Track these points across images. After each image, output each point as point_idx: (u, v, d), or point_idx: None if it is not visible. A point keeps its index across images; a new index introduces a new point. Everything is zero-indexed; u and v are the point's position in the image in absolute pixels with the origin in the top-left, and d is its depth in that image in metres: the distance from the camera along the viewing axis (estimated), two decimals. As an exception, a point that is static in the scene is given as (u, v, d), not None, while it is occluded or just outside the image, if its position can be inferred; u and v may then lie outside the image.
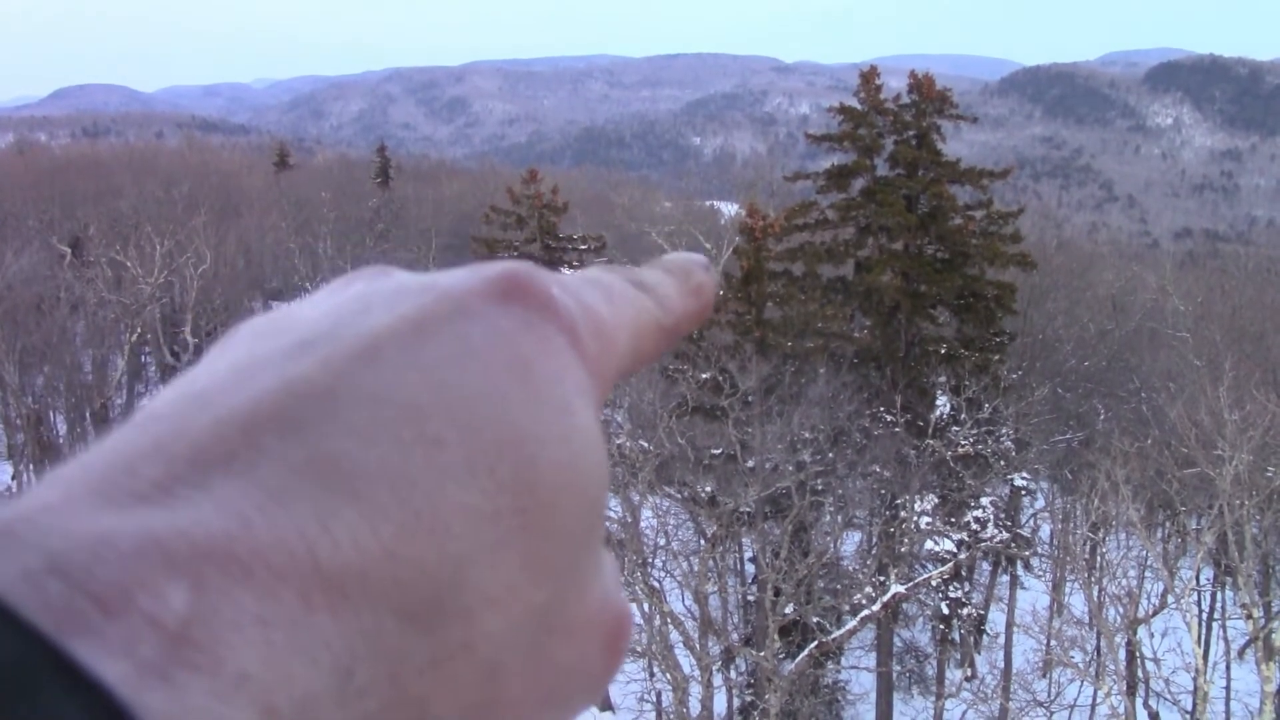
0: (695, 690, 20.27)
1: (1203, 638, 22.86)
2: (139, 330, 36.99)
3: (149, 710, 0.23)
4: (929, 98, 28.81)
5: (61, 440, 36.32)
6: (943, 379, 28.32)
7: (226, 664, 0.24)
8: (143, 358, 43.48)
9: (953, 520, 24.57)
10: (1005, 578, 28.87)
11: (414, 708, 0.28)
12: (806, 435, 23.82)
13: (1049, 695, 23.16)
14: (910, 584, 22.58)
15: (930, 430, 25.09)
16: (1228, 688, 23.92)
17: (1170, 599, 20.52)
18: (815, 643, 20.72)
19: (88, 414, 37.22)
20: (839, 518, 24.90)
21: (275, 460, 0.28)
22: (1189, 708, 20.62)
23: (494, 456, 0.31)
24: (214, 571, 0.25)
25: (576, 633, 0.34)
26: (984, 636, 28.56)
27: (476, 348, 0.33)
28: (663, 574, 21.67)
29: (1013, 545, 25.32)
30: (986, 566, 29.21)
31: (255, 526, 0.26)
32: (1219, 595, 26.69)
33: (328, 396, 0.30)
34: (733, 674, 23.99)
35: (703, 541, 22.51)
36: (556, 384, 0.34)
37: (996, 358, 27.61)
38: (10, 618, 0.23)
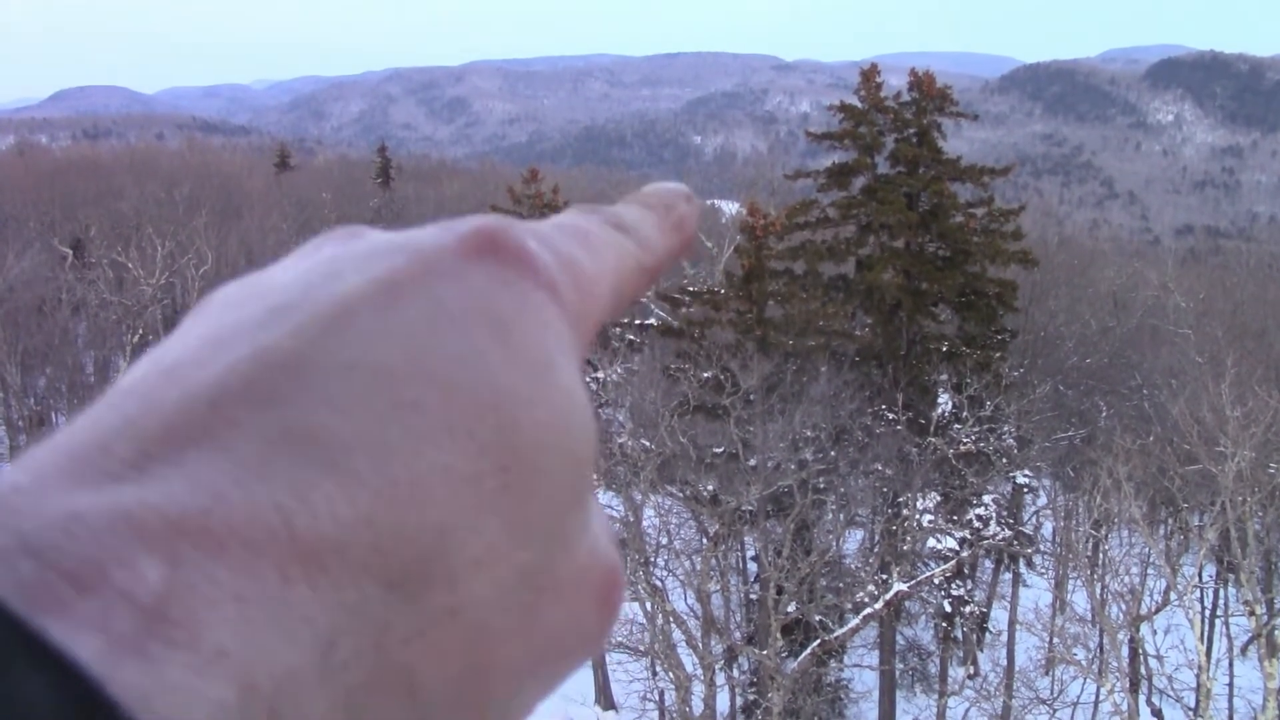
0: (698, 689, 20.27)
1: (1205, 634, 22.85)
2: (141, 331, 36.98)
3: (123, 685, 0.23)
4: (929, 95, 28.81)
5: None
6: (944, 377, 28.33)
7: (203, 640, 0.24)
8: (144, 359, 43.50)
9: (955, 518, 24.57)
10: (1008, 575, 28.87)
11: (400, 677, 0.28)
12: (808, 433, 23.83)
13: (1052, 693, 23.17)
14: (913, 582, 22.58)
15: (932, 428, 25.10)
16: (1231, 684, 23.91)
17: (1173, 596, 20.51)
18: (818, 641, 20.72)
19: (90, 415, 37.20)
20: (841, 516, 24.89)
21: (248, 433, 0.28)
22: (1192, 705, 20.61)
23: (473, 418, 0.30)
24: (188, 547, 0.25)
25: (566, 590, 0.33)
26: (986, 634, 28.55)
27: (451, 308, 0.32)
28: (665, 573, 21.68)
29: (1015, 543, 25.32)
30: (989, 564, 29.20)
31: (229, 500, 0.26)
32: (1222, 592, 26.69)
33: (300, 365, 0.29)
34: (735, 673, 23.99)
35: (705, 540, 22.51)
36: (536, 341, 0.33)
37: (998, 355, 27.62)
38: None
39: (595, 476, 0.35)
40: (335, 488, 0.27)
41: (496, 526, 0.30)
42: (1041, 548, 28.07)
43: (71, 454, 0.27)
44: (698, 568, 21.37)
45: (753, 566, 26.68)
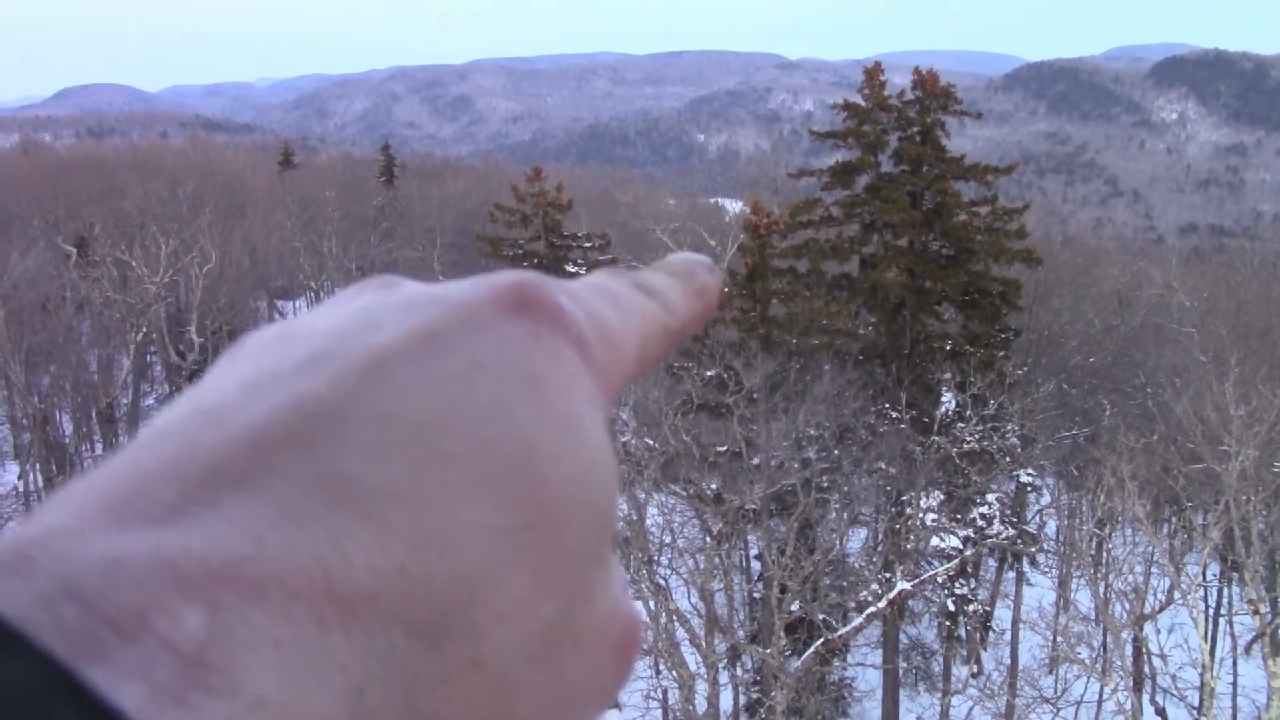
0: (701, 688, 20.27)
1: (1209, 633, 22.81)
2: (144, 330, 37.02)
3: None
4: (933, 94, 28.79)
5: (67, 440, 36.39)
6: (948, 375, 28.30)
7: (243, 687, 0.25)
8: (148, 357, 43.55)
9: (958, 517, 24.55)
10: (1011, 574, 28.84)
11: None
12: (812, 432, 23.82)
13: (1055, 692, 23.18)
14: (916, 581, 22.57)
15: (936, 427, 25.08)
16: (1234, 683, 23.91)
17: (1177, 595, 20.50)
18: (821, 640, 20.72)
19: (94, 413, 37.30)
20: (845, 515, 24.91)
21: (287, 479, 0.28)
22: (1195, 703, 20.59)
23: (504, 473, 0.31)
24: (228, 593, 0.25)
25: (586, 644, 0.34)
26: (990, 633, 28.53)
27: (486, 362, 0.32)
28: (669, 572, 21.69)
29: (1019, 542, 25.31)
30: (992, 563, 29.18)
31: (269, 546, 0.27)
32: (1225, 591, 26.66)
33: (338, 414, 0.30)
34: (739, 671, 23.99)
35: (708, 539, 22.50)
36: (566, 397, 0.34)
37: (1002, 354, 27.60)
38: (25, 644, 0.23)
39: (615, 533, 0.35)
40: (370, 536, 0.28)
41: (522, 580, 0.31)
42: (1045, 546, 28.08)
43: (111, 495, 0.27)
44: (701, 566, 21.37)
45: (756, 565, 26.69)
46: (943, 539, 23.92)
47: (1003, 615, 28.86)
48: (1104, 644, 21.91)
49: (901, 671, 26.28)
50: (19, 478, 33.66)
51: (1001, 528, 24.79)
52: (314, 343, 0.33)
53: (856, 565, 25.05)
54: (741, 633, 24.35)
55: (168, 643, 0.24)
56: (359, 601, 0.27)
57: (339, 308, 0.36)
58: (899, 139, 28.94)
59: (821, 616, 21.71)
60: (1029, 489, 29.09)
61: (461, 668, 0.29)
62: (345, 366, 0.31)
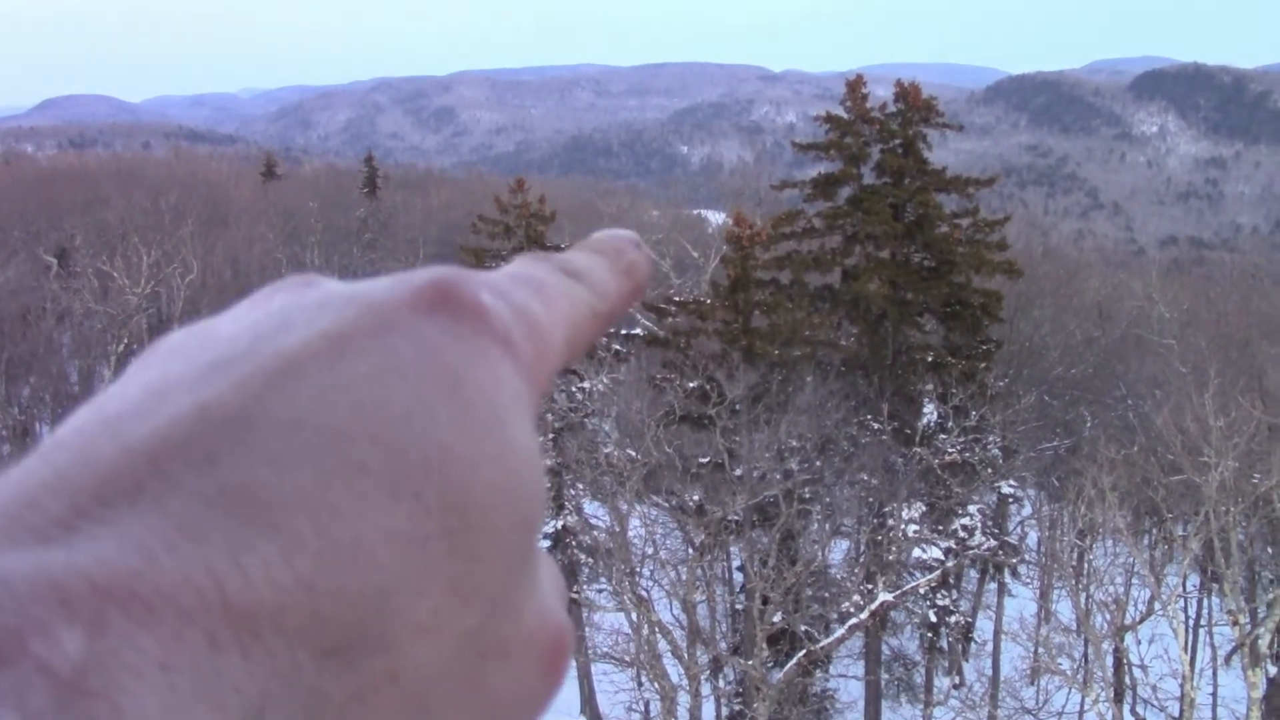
0: (683, 699, 20.27)
1: (1189, 644, 22.94)
2: (126, 341, 36.85)
3: None
4: (915, 106, 28.91)
5: (47, 451, 36.16)
6: (930, 387, 28.37)
7: (125, 712, 0.23)
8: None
9: (940, 528, 24.62)
10: (993, 585, 28.94)
11: None
12: (794, 443, 23.85)
13: (1037, 703, 23.26)
14: (898, 592, 22.62)
15: (917, 438, 25.15)
16: (1214, 694, 24.01)
17: (1157, 606, 20.58)
18: (803, 651, 20.74)
19: (74, 425, 37.06)
20: (827, 526, 24.94)
21: (185, 491, 0.27)
22: (1176, 714, 20.67)
23: (420, 479, 0.29)
24: (115, 612, 0.24)
25: (513, 654, 0.33)
26: (972, 644, 28.60)
27: (402, 364, 0.31)
28: (651, 583, 21.68)
29: (1000, 553, 25.39)
30: (974, 574, 29.26)
31: (161, 563, 0.25)
32: (1205, 601, 26.78)
33: (242, 421, 0.28)
34: (721, 683, 23.99)
35: (691, 550, 22.51)
36: (488, 397, 0.32)
37: (983, 365, 27.68)
38: None
39: (542, 531, 0.36)
40: (273, 550, 0.27)
41: (441, 590, 0.29)
42: (1026, 557, 28.17)
43: (1, 510, 0.26)
44: (683, 578, 21.37)
45: (738, 576, 26.70)
46: (924, 550, 23.98)
47: (984, 626, 28.93)
48: (1085, 655, 21.98)
49: (883, 683, 26.31)
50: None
51: (983, 539, 24.87)
52: (223, 347, 0.31)
53: (838, 576, 25.09)
54: (724, 644, 24.34)
55: (44, 667, 0.23)
56: (259, 620, 0.26)
57: (252, 310, 0.35)
58: (881, 151, 29.05)
59: (804, 628, 21.74)
60: (1010, 500, 29.20)
61: (376, 685, 0.28)
62: (252, 371, 0.30)
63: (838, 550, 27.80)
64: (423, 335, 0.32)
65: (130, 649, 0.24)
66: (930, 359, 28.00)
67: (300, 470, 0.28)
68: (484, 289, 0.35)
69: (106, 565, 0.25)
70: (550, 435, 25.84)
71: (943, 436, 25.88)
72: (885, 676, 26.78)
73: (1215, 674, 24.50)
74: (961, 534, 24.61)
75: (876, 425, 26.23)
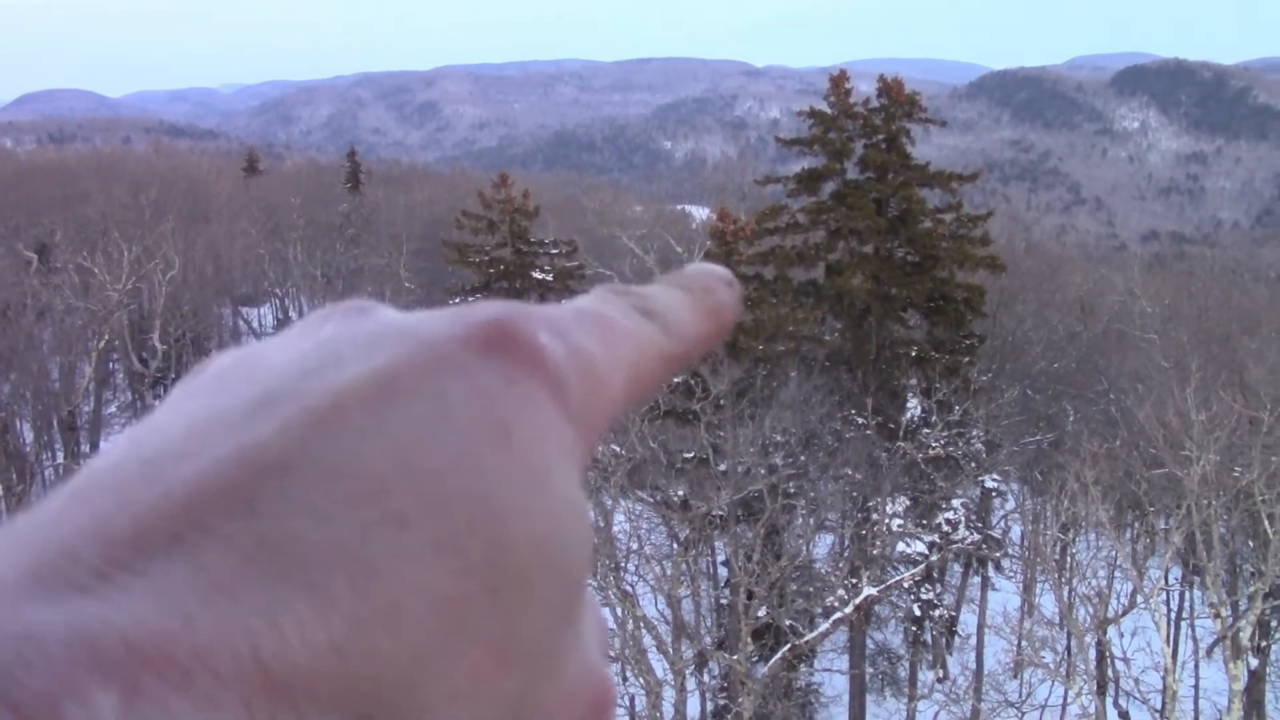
0: (668, 694, 20.26)
1: (1171, 637, 23.04)
2: (107, 337, 36.64)
3: None
4: (898, 101, 28.96)
5: (28, 449, 35.95)
6: (913, 381, 28.45)
7: None
8: (110, 365, 43.08)
9: (924, 522, 24.68)
10: (976, 579, 29.00)
11: None
12: (778, 438, 23.88)
13: (1020, 696, 23.29)
14: (882, 586, 22.65)
15: (901, 432, 25.21)
16: (1196, 686, 24.11)
17: (1139, 599, 20.67)
18: (788, 645, 20.76)
19: (55, 422, 36.87)
20: (811, 520, 24.97)
21: (223, 543, 0.26)
22: (1158, 706, 20.77)
23: (464, 535, 0.28)
24: (149, 676, 0.23)
25: (555, 715, 0.31)
26: (955, 638, 28.69)
27: (451, 409, 0.30)
28: (635, 578, 21.66)
29: (984, 547, 25.45)
30: (958, 568, 29.33)
31: (197, 623, 0.24)
32: (1187, 594, 26.91)
33: (284, 468, 0.27)
34: (706, 678, 23.99)
35: (675, 545, 22.50)
36: (537, 448, 0.31)
37: (966, 360, 27.76)
38: None
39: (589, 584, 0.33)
40: (309, 610, 0.26)
41: (481, 653, 0.28)
42: (1010, 551, 28.25)
43: (36, 555, 0.25)
44: (668, 573, 21.36)
45: (723, 571, 26.71)
46: (908, 544, 24.03)
47: (968, 620, 29.01)
48: (1068, 648, 22.05)
49: (868, 677, 26.38)
50: (-21, 487, 33.22)
51: (966, 533, 24.93)
52: (270, 379, 0.31)
53: (823, 571, 25.12)
54: (708, 639, 24.34)
55: None
56: (293, 685, 0.25)
57: (303, 337, 0.34)
58: (864, 146, 29.10)
59: (788, 622, 21.77)
60: (994, 494, 29.28)
61: None
62: (296, 412, 0.29)
63: (822, 545, 27.85)
64: (475, 379, 0.31)
65: (163, 714, 0.23)
66: (914, 354, 28.07)
67: (339, 522, 0.27)
68: (544, 328, 0.34)
69: (142, 624, 0.24)
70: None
71: (926, 431, 25.95)
72: (870, 670, 26.85)
73: (1197, 666, 24.61)
74: (945, 528, 24.67)
75: (861, 420, 26.30)
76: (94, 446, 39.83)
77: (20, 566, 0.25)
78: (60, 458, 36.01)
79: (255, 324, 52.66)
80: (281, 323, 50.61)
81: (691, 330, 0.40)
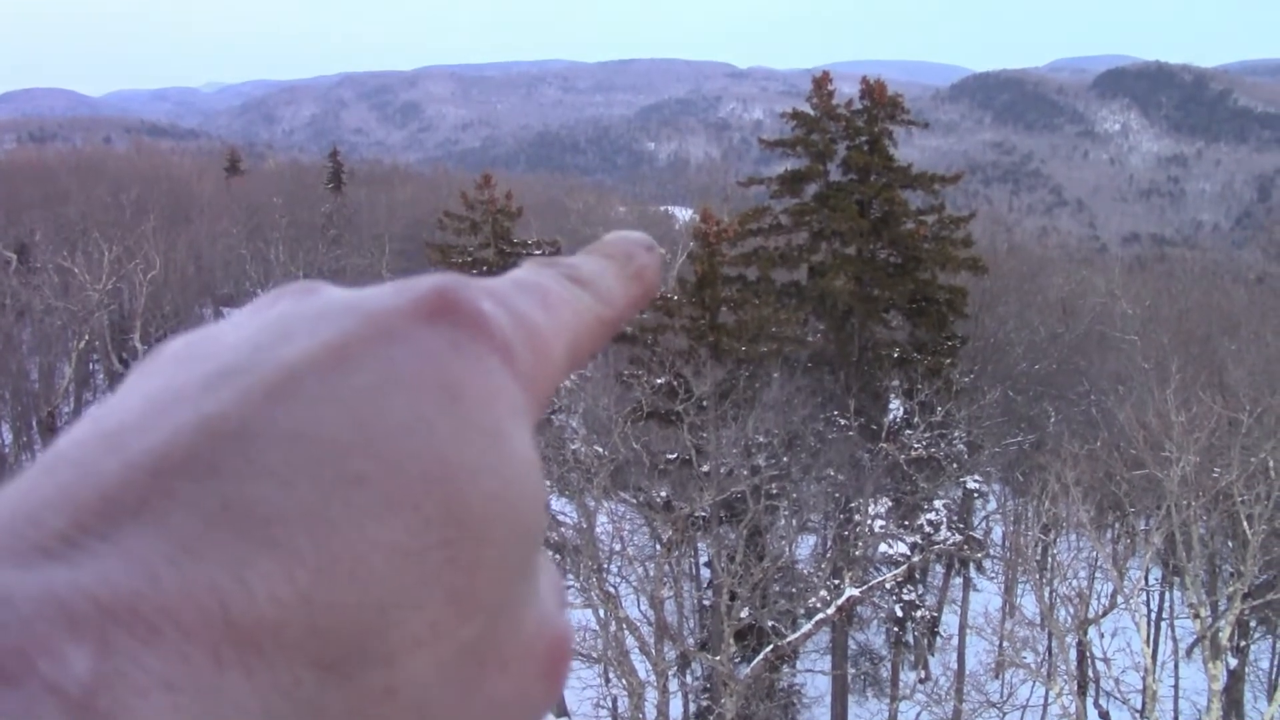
0: (651, 695, 20.25)
1: (1151, 637, 23.14)
2: (87, 337, 36.50)
3: None
4: (881, 103, 29.02)
5: (7, 449, 35.79)
6: (896, 383, 28.51)
7: None
8: (91, 365, 42.93)
9: (906, 523, 24.73)
10: (958, 580, 29.08)
11: None
12: (761, 439, 23.92)
13: (1002, 696, 23.34)
14: (865, 587, 22.70)
15: (883, 434, 25.25)
16: (1176, 686, 24.23)
17: (1120, 599, 20.74)
18: (771, 646, 20.77)
19: (35, 422, 36.70)
20: (794, 521, 24.99)
21: (188, 507, 0.27)
22: (1138, 706, 20.86)
23: (419, 491, 0.29)
24: (120, 632, 0.24)
25: (512, 663, 0.33)
26: (937, 638, 28.73)
27: (401, 374, 0.31)
28: (618, 579, 21.65)
29: (965, 547, 25.52)
30: (940, 569, 29.41)
31: (164, 581, 0.25)
32: (1167, 595, 27.03)
33: (243, 435, 0.28)
34: (689, 679, 24.02)
35: (658, 546, 22.50)
36: (487, 408, 0.32)
37: (948, 361, 27.83)
38: None
39: (544, 539, 0.34)
40: (273, 565, 0.27)
41: (439, 602, 0.29)
42: (991, 552, 28.31)
43: (3, 525, 0.26)
44: (651, 574, 21.36)
45: (706, 572, 26.73)
46: (890, 545, 24.08)
47: (950, 621, 29.08)
48: (1049, 648, 22.12)
49: (850, 677, 26.41)
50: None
51: (948, 534, 24.99)
52: (225, 356, 0.32)
53: (805, 572, 25.15)
54: (691, 640, 24.36)
55: (53, 686, 0.23)
56: (261, 636, 0.26)
57: (254, 317, 0.35)
58: (847, 148, 29.16)
59: (771, 623, 21.78)
60: (975, 495, 29.36)
61: (375, 698, 0.28)
62: (253, 382, 0.30)
63: (805, 546, 27.89)
64: (423, 344, 0.32)
65: (136, 669, 0.24)
66: (896, 355, 28.14)
67: (300, 484, 0.28)
68: (485, 297, 0.35)
69: (111, 584, 0.25)
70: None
71: (908, 432, 26.00)
72: (852, 671, 26.88)
73: (1177, 666, 24.74)
74: (927, 529, 24.73)
75: (843, 421, 26.34)
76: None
77: None
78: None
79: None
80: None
81: (620, 296, 0.42)
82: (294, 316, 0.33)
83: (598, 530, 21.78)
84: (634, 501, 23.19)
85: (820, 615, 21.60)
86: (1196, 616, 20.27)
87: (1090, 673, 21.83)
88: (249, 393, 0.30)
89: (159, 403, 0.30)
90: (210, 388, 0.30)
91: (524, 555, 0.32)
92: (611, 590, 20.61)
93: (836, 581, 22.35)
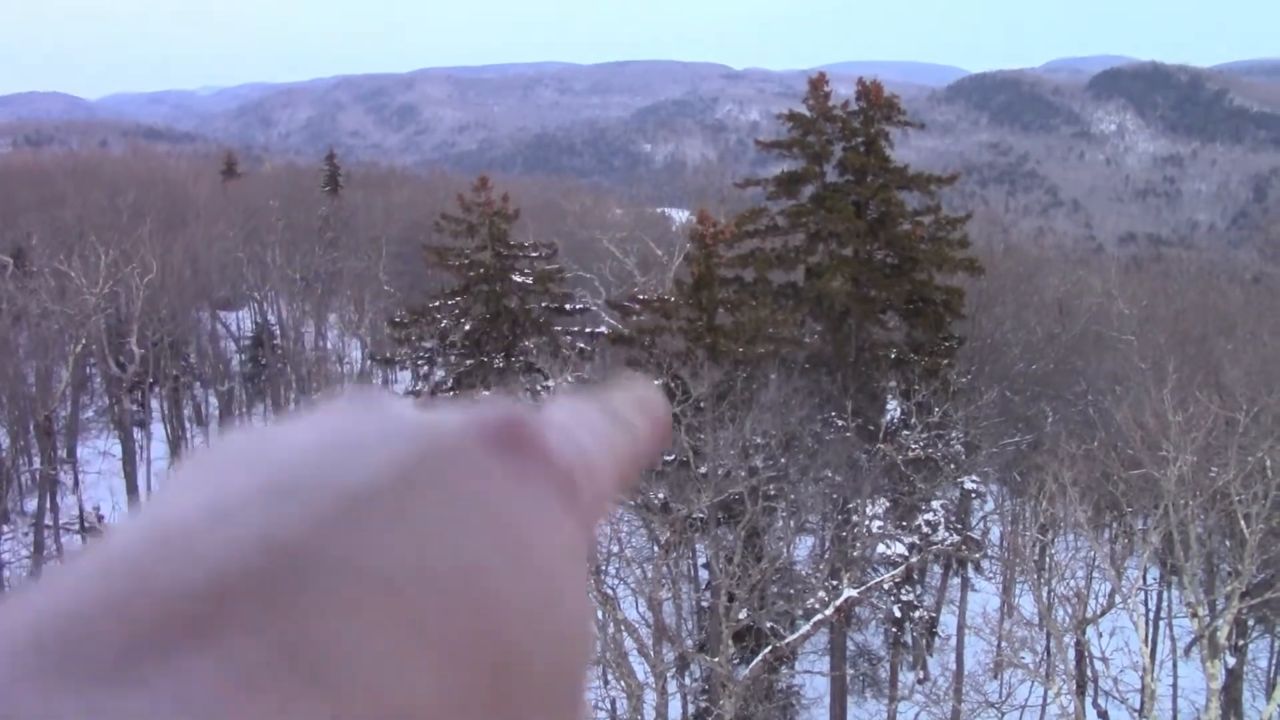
0: (650, 697, 20.25)
1: (1150, 637, 23.15)
2: (84, 341, 36.43)
3: None
4: (877, 104, 29.04)
5: (4, 453, 35.71)
6: (893, 383, 28.54)
7: None
8: (87, 369, 42.88)
9: (904, 524, 24.73)
10: (956, 580, 29.09)
11: None
12: (758, 440, 23.90)
13: (1000, 696, 23.37)
14: (863, 588, 22.71)
15: (881, 434, 25.26)
16: (1174, 685, 24.26)
17: (1118, 599, 20.75)
18: (769, 648, 20.77)
19: (31, 426, 36.64)
20: (791, 522, 24.99)
21: (245, 637, 0.26)
22: (1137, 706, 20.87)
23: (476, 639, 0.29)
24: None
25: None
26: (936, 639, 28.74)
27: (467, 511, 0.31)
28: (616, 581, 21.65)
29: (963, 548, 25.53)
30: (938, 569, 29.42)
31: None
32: (1165, 594, 27.05)
33: (305, 563, 0.28)
34: (687, 680, 24.01)
35: (656, 548, 22.50)
36: (548, 548, 0.33)
37: (945, 362, 27.84)
38: None
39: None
40: (322, 707, 0.26)
41: None
42: (989, 552, 28.32)
43: (57, 636, 0.25)
44: (649, 575, 21.36)
45: (704, 574, 26.72)
46: (888, 546, 24.08)
47: (948, 621, 29.08)
48: (1047, 648, 22.13)
49: (849, 678, 26.41)
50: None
51: (946, 534, 24.99)
52: (289, 466, 0.31)
53: (804, 573, 25.15)
54: (689, 641, 24.35)
55: None
56: None
57: (318, 428, 0.34)
58: (844, 149, 29.17)
59: (769, 624, 21.79)
60: (973, 496, 29.36)
61: None
62: (318, 506, 0.29)
63: (803, 547, 27.88)
64: (490, 477, 0.32)
65: None
66: (893, 355, 28.16)
67: (357, 623, 0.28)
68: (551, 429, 0.36)
69: None
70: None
71: (906, 433, 26.01)
72: (850, 672, 26.88)
73: (1175, 666, 24.76)
74: (925, 529, 24.73)
75: (840, 422, 26.34)
76: (70, 451, 39.61)
77: (42, 645, 0.25)
78: (37, 462, 35.75)
79: (234, 328, 52.36)
80: (260, 326, 50.47)
81: (646, 435, 0.44)
82: (360, 434, 0.33)
83: (595, 532, 21.76)
84: (631, 503, 23.18)
85: (818, 616, 21.60)
86: (1194, 615, 20.29)
87: (1089, 672, 21.83)
88: (313, 517, 0.29)
89: (220, 511, 0.29)
90: (272, 503, 0.29)
91: (571, 696, 0.33)
92: (609, 592, 20.61)
93: (835, 582, 22.36)
